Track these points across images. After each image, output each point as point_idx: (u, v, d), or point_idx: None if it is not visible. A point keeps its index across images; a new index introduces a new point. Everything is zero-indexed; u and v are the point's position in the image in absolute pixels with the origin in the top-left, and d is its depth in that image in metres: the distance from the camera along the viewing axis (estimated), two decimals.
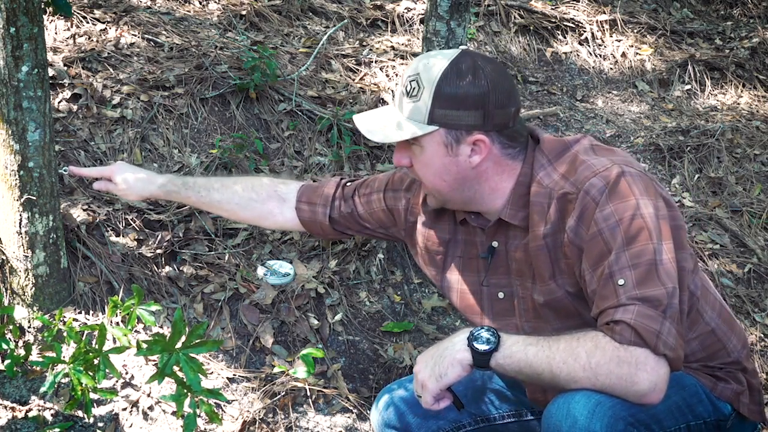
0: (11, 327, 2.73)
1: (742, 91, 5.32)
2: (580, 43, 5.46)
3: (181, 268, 3.24)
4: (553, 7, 5.63)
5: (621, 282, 1.69)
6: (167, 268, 3.21)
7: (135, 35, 4.26)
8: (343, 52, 4.69)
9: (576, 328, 1.76)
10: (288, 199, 2.30)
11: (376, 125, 1.88)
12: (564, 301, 1.84)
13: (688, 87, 5.31)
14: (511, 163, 1.87)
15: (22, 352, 2.71)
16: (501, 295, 1.95)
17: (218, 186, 2.36)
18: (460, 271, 2.01)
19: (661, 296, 1.67)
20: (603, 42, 5.51)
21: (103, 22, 4.30)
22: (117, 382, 2.82)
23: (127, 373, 2.85)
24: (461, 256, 2.00)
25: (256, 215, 2.34)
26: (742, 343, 1.99)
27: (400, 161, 1.91)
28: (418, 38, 4.96)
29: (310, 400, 2.90)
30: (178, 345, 2.13)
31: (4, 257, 2.88)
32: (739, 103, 5.20)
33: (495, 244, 1.93)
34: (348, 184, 2.26)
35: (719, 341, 1.94)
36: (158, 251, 3.25)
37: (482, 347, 1.72)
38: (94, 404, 2.72)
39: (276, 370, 2.97)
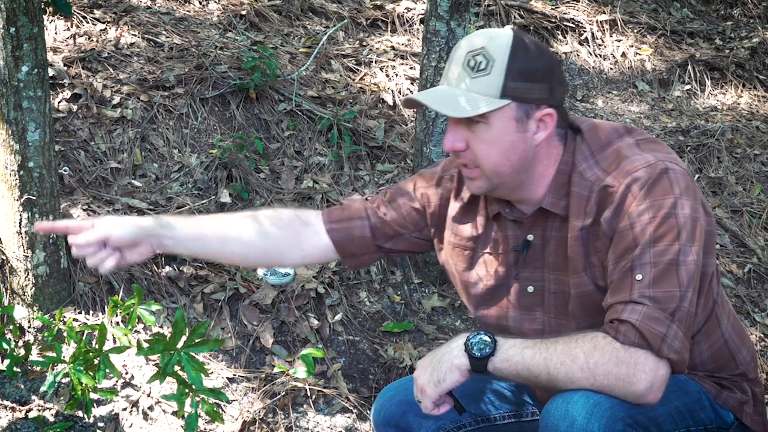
0: (11, 327, 2.73)
1: (742, 91, 5.32)
2: (580, 43, 5.46)
3: (181, 268, 3.23)
4: (553, 7, 5.63)
5: (639, 277, 1.68)
6: (167, 268, 3.21)
7: (135, 35, 4.26)
8: (343, 52, 4.69)
9: (601, 325, 1.75)
10: (311, 222, 2.05)
11: (443, 101, 1.78)
12: (593, 295, 1.82)
13: (688, 87, 5.31)
14: (558, 145, 1.85)
15: (22, 352, 2.71)
16: (531, 288, 1.93)
17: (225, 217, 2.06)
18: (488, 266, 1.98)
19: (674, 298, 1.66)
20: (603, 42, 5.51)
21: (103, 22, 4.30)
22: (117, 382, 2.82)
23: (127, 373, 2.85)
24: (491, 252, 1.97)
25: (278, 244, 2.03)
26: (750, 356, 1.98)
27: (454, 145, 1.80)
28: (418, 38, 4.96)
29: (310, 400, 2.90)
30: (180, 344, 2.14)
31: (4, 257, 2.88)
32: (739, 103, 5.20)
33: (530, 237, 1.89)
34: (369, 198, 2.15)
35: (730, 353, 1.94)
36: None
37: (478, 352, 1.72)
38: (94, 404, 2.72)
39: (276, 370, 2.97)
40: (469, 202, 2.00)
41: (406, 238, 2.08)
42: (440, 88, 1.82)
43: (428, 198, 2.07)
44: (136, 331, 2.93)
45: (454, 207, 2.03)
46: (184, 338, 2.15)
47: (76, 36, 4.15)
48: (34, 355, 2.76)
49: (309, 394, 2.90)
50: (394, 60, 4.68)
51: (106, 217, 1.94)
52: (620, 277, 1.71)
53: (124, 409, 2.76)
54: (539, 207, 1.86)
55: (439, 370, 1.77)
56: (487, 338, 1.73)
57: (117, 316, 2.92)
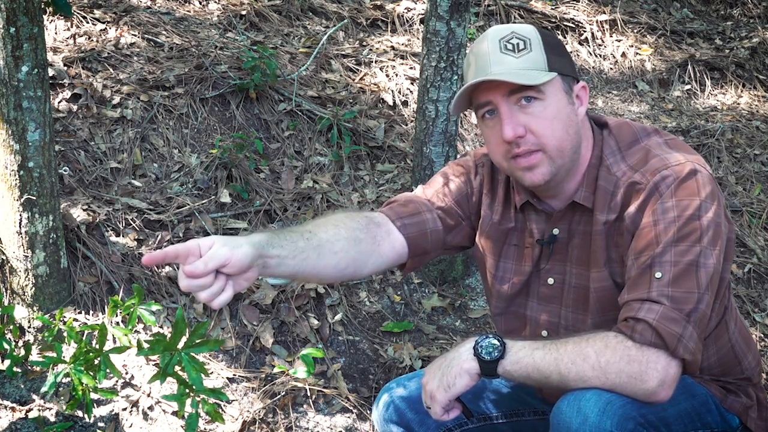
0: (11, 327, 2.73)
1: (742, 91, 5.31)
2: (580, 43, 5.46)
3: None
4: (553, 7, 5.63)
5: (658, 275, 1.68)
6: (167, 268, 3.21)
7: (135, 35, 4.26)
8: (343, 52, 4.69)
9: (615, 322, 1.74)
10: (381, 222, 1.93)
11: (510, 76, 1.75)
12: (611, 291, 1.83)
13: (688, 87, 5.31)
14: (589, 128, 1.87)
15: (22, 352, 2.71)
16: (551, 281, 1.93)
17: (312, 227, 1.84)
18: (514, 259, 1.98)
19: (691, 299, 1.67)
20: (603, 42, 5.50)
21: (103, 22, 4.30)
22: (117, 382, 2.82)
23: (127, 373, 2.85)
24: (517, 244, 1.97)
25: (364, 250, 1.87)
26: (756, 361, 1.99)
27: (516, 131, 1.76)
28: (418, 38, 4.96)
29: (310, 400, 2.90)
30: (180, 345, 2.13)
31: (4, 257, 2.88)
32: (739, 103, 5.20)
33: (556, 231, 1.90)
34: (416, 192, 2.06)
35: (736, 358, 1.94)
36: (158, 251, 3.24)
37: (488, 356, 1.72)
38: (95, 404, 2.72)
39: (276, 370, 2.96)
40: (498, 194, 1.99)
41: (462, 228, 2.02)
42: (491, 74, 1.76)
43: (469, 185, 2.03)
44: (136, 331, 2.93)
45: (486, 198, 2.01)
46: (184, 338, 2.15)
47: (76, 36, 4.15)
48: (34, 355, 2.76)
49: (309, 394, 2.90)
50: (394, 60, 4.68)
51: (208, 238, 1.62)
52: (639, 273, 1.71)
53: (124, 409, 2.76)
54: (570, 201, 1.86)
55: (448, 374, 1.77)
56: (496, 341, 1.73)
57: (117, 316, 2.92)
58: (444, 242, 2.01)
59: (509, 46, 1.77)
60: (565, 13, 5.58)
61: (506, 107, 1.77)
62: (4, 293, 2.88)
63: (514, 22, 5.39)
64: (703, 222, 1.71)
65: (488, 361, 1.72)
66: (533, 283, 1.96)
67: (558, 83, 1.78)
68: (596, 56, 5.42)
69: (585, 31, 5.50)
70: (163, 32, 4.38)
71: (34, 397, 2.74)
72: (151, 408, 2.78)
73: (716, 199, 1.75)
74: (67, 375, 2.36)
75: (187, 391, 2.19)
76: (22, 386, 2.77)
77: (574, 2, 5.76)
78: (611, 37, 5.55)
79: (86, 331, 2.81)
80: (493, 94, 1.78)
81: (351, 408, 2.90)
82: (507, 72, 1.75)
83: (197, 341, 2.15)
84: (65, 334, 2.47)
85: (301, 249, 1.74)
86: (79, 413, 2.69)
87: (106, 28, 4.26)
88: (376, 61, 4.65)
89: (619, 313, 1.76)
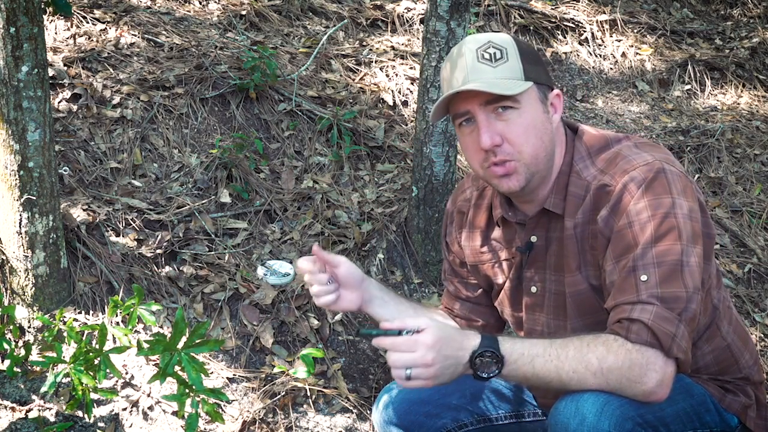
0: (11, 327, 2.73)
1: (742, 91, 5.31)
2: (580, 43, 5.46)
3: (181, 268, 3.23)
4: (553, 7, 5.63)
5: (644, 278, 1.68)
6: (167, 268, 3.21)
7: (135, 35, 4.26)
8: (343, 52, 4.69)
9: (594, 326, 1.76)
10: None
11: (487, 86, 1.77)
12: (587, 295, 1.83)
13: (688, 87, 5.31)
14: (563, 133, 1.88)
15: (22, 352, 2.71)
16: (534, 289, 1.95)
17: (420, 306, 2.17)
18: (504, 272, 2.01)
19: (681, 298, 1.67)
20: (603, 42, 5.50)
21: (103, 22, 4.30)
22: (117, 382, 2.82)
23: (127, 373, 2.85)
24: (507, 258, 2.00)
25: None
26: (753, 360, 1.99)
27: (493, 140, 1.79)
28: (418, 38, 4.96)
29: (310, 400, 2.90)
30: (180, 345, 2.14)
31: (4, 257, 2.88)
32: (739, 103, 5.20)
33: (534, 238, 1.91)
34: (449, 288, 2.22)
35: (732, 356, 1.95)
36: (158, 251, 3.24)
37: (486, 375, 1.66)
38: (95, 404, 2.72)
39: (276, 370, 2.97)
40: (475, 222, 2.05)
41: (476, 282, 2.14)
42: (469, 83, 1.78)
43: (451, 253, 2.14)
44: (136, 331, 2.93)
45: (467, 235, 2.07)
46: (184, 338, 2.16)
47: (76, 36, 4.15)
48: (34, 355, 2.76)
49: (309, 394, 2.90)
50: (394, 60, 4.68)
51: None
52: (623, 277, 1.71)
53: (124, 409, 2.76)
54: (542, 208, 1.87)
55: (443, 371, 1.74)
56: (493, 364, 1.66)
57: (117, 316, 2.92)
58: (491, 306, 2.14)
59: (486, 56, 1.79)
60: (565, 13, 5.58)
61: (483, 116, 1.79)
62: (4, 293, 2.88)
63: (514, 22, 5.39)
64: (678, 219, 1.71)
65: (486, 378, 1.70)
66: (522, 294, 1.98)
67: (533, 92, 1.80)
68: (596, 56, 5.42)
69: (585, 31, 5.50)
70: (163, 32, 4.38)
71: (34, 397, 2.74)
72: (151, 408, 2.78)
73: (689, 195, 1.76)
74: (67, 375, 2.36)
75: (187, 391, 2.19)
76: (22, 386, 2.77)
77: (574, 2, 5.76)
78: (611, 37, 5.55)
79: (86, 331, 2.81)
80: (470, 103, 1.80)
81: (351, 408, 2.90)
82: (484, 82, 1.77)
83: (197, 341, 2.15)
84: (65, 334, 2.48)
85: (400, 302, 2.04)
86: (79, 413, 2.69)
87: (106, 28, 4.26)
88: (376, 61, 4.65)
89: (596, 316, 1.78)
